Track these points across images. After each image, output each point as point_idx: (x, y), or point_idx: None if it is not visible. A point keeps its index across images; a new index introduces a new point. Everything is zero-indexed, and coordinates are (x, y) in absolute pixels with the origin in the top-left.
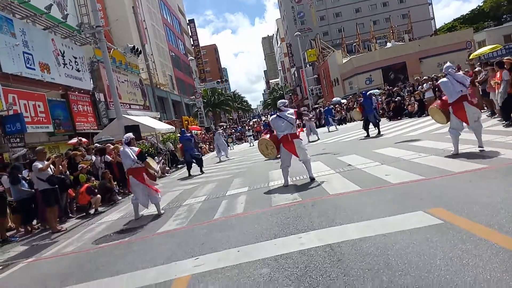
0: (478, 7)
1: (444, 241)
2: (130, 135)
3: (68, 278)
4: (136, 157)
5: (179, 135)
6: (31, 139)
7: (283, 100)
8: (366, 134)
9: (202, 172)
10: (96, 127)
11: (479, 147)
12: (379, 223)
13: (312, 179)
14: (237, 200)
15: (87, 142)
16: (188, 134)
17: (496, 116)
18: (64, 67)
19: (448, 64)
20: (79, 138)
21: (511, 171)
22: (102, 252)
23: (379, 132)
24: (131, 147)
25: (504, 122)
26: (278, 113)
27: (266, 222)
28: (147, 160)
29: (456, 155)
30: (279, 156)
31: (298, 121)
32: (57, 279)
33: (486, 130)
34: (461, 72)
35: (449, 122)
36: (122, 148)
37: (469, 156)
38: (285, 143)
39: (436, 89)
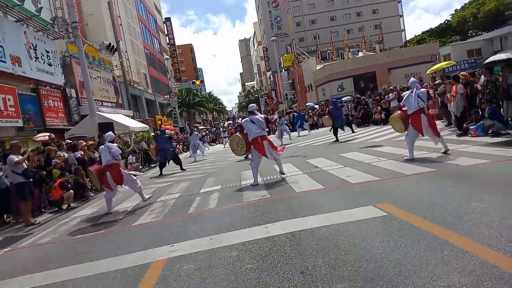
0: (446, 21)
1: (385, 229)
2: (112, 134)
3: (48, 263)
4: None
5: (152, 134)
6: None
7: (253, 105)
8: (335, 139)
9: (182, 169)
10: (66, 123)
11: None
12: (335, 215)
13: (282, 174)
14: (210, 197)
15: (55, 137)
16: (167, 135)
17: (452, 125)
18: (36, 60)
19: (413, 79)
20: (50, 134)
21: (453, 175)
22: (79, 242)
23: (352, 130)
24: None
25: (458, 131)
26: (249, 117)
27: (236, 215)
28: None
29: (410, 160)
30: (245, 155)
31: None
32: (37, 264)
33: None
34: (423, 89)
35: (406, 131)
36: (105, 144)
37: (421, 161)
38: (256, 145)
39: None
